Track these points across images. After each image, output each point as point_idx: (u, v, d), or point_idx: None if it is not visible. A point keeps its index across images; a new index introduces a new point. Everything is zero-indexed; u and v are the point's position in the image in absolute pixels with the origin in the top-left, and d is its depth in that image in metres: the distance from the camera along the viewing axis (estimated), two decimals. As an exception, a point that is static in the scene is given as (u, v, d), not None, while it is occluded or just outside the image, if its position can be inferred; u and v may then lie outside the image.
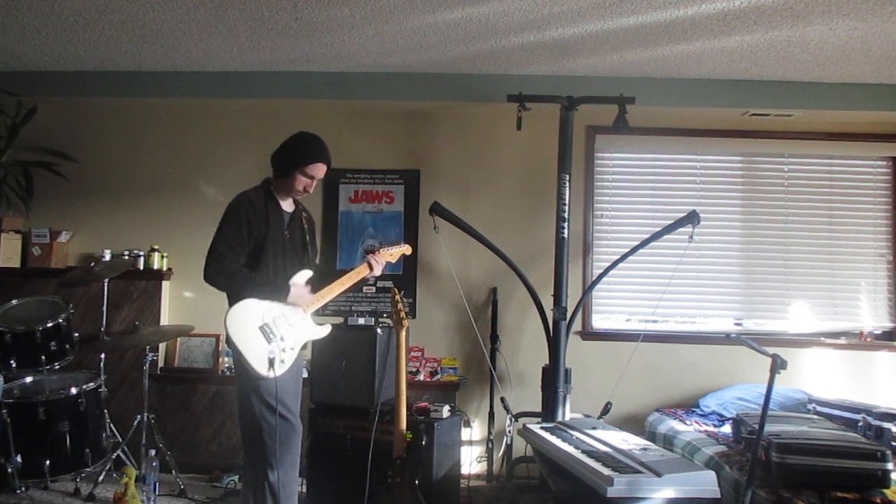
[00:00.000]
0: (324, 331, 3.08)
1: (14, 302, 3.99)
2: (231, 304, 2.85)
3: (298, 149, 3.01)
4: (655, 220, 4.43)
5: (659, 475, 2.57)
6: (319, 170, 3.03)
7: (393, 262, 3.38)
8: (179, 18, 3.67)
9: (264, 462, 2.82)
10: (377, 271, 3.19)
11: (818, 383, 4.38)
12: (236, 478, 4.04)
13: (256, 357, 2.78)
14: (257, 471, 2.85)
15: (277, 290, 2.89)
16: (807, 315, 4.61)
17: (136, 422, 3.90)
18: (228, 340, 2.80)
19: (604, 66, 4.22)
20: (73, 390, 3.70)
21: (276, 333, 2.87)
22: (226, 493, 3.94)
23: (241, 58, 4.25)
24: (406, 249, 3.42)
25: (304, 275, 3.03)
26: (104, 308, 4.22)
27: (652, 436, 4.00)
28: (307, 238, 3.15)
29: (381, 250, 3.29)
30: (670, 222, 4.15)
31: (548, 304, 4.03)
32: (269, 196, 3.01)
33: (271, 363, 2.78)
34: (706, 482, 2.63)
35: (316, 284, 3.07)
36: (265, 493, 2.82)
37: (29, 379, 3.84)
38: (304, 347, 3.03)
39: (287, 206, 3.09)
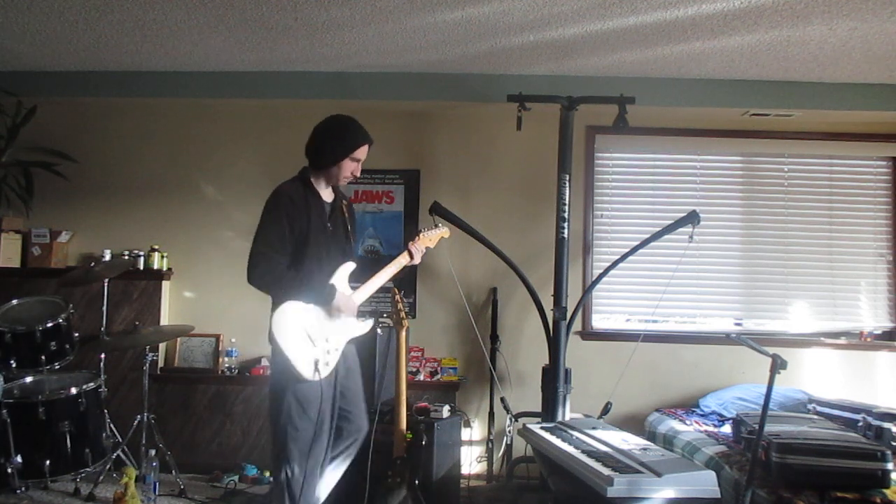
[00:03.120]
0: (366, 326, 3.00)
1: (14, 302, 3.99)
2: (275, 305, 2.79)
3: (343, 135, 2.90)
4: (655, 220, 4.42)
5: (659, 475, 2.57)
6: (365, 151, 2.95)
7: (432, 247, 3.27)
8: (179, 18, 3.67)
9: (283, 459, 2.79)
10: (417, 259, 3.09)
11: (818, 383, 4.37)
12: (236, 478, 4.05)
13: (301, 359, 2.73)
14: (278, 466, 2.83)
15: (323, 294, 2.80)
16: (807, 315, 4.61)
17: (136, 422, 3.90)
18: (273, 341, 2.74)
19: (604, 66, 4.22)
20: (73, 390, 3.70)
21: (321, 335, 2.81)
22: (226, 493, 3.94)
23: (241, 58, 4.25)
24: (444, 232, 3.31)
25: (348, 268, 2.95)
26: (104, 308, 4.22)
27: (652, 436, 4.00)
28: (349, 227, 3.03)
29: (421, 235, 3.17)
30: (670, 222, 4.14)
31: (548, 304, 4.03)
32: (308, 188, 2.90)
33: (316, 366, 2.74)
34: (706, 482, 2.64)
35: (357, 276, 2.99)
36: (282, 488, 2.80)
37: (29, 379, 3.85)
38: (349, 343, 2.97)
39: (327, 196, 2.97)
